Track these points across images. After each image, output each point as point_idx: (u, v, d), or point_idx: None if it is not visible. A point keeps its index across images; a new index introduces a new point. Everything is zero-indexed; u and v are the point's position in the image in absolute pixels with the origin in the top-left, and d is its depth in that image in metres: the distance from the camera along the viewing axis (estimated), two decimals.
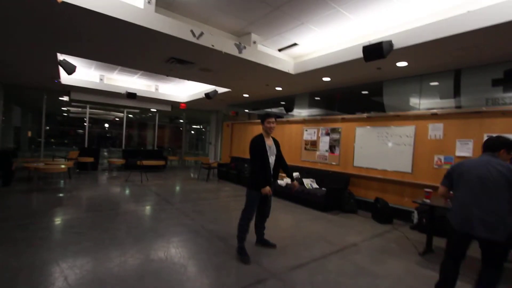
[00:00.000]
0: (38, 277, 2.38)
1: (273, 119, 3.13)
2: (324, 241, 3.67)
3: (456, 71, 4.62)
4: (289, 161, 7.33)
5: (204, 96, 7.95)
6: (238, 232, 3.06)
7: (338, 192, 5.43)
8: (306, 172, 6.48)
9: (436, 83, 4.98)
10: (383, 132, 5.28)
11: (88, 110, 9.92)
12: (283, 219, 4.65)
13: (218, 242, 3.44)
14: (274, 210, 5.23)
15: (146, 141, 19.80)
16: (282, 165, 3.35)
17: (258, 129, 8.79)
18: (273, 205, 5.54)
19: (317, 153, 6.59)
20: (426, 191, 3.42)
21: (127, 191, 6.18)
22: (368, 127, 5.53)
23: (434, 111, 4.62)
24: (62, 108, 14.68)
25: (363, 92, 6.55)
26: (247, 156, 9.03)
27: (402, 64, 4.39)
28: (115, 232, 3.59)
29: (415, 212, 4.57)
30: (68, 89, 8.44)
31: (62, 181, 6.70)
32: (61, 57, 5.32)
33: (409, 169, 4.85)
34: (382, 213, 4.74)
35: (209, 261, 2.93)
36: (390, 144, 5.15)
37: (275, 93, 7.47)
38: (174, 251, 3.08)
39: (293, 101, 7.82)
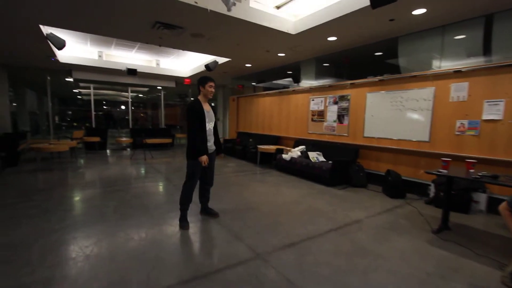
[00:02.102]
0: (49, 251, 2.25)
1: (214, 83, 2.94)
2: (324, 218, 3.33)
3: (487, 17, 3.83)
4: (296, 134, 6.98)
5: (204, 68, 7.53)
6: (180, 204, 2.96)
7: (345, 165, 4.99)
8: (313, 145, 6.03)
9: (461, 36, 4.22)
10: (397, 97, 4.67)
11: (92, 91, 9.82)
12: (282, 194, 4.33)
13: (207, 220, 3.20)
14: (276, 184, 4.97)
15: (158, 120, 19.92)
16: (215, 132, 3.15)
17: (264, 102, 8.39)
18: (275, 180, 5.31)
19: (325, 124, 6.08)
20: (444, 160, 2.92)
21: (127, 169, 6.09)
22: (381, 92, 4.91)
23: (458, 68, 3.93)
24: (74, 91, 14.85)
25: (376, 54, 5.82)
26: (253, 130, 8.74)
27: (419, 11, 3.69)
28: (103, 208, 3.45)
29: (432, 185, 4.08)
30: (69, 68, 8.28)
31: (65, 161, 6.75)
32: (46, 30, 5.04)
33: (426, 137, 4.28)
34: (394, 186, 4.29)
35: (190, 239, 2.70)
36: (405, 110, 4.55)
37: (279, 60, 6.87)
38: (155, 231, 2.88)
39: (299, 70, 7.19)
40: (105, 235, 2.72)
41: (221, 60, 7.24)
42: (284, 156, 6.02)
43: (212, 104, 3.13)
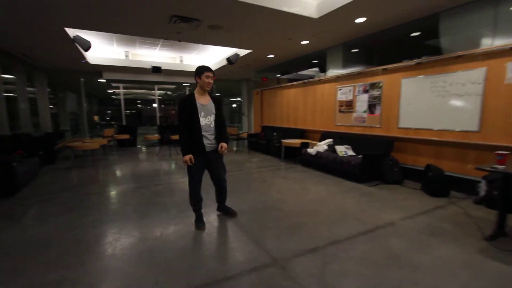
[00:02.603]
0: (66, 250, 2.29)
1: (211, 73, 2.65)
2: (352, 219, 3.00)
3: None
4: (323, 127, 6.55)
5: (226, 62, 7.38)
6: (190, 205, 2.87)
7: (377, 159, 4.53)
8: (340, 138, 5.61)
9: None
10: (438, 82, 4.09)
11: (122, 90, 10.21)
12: (306, 192, 4.04)
13: (225, 220, 3.04)
14: (300, 181, 4.67)
15: None
16: (219, 128, 2.80)
17: (288, 94, 8.03)
18: (300, 176, 5.01)
19: (354, 115, 5.61)
20: (499, 153, 2.43)
21: (152, 166, 6.19)
22: (418, 77, 4.35)
23: None
24: (107, 91, 15.69)
25: (413, 35, 5.19)
26: (278, 123, 8.44)
27: None
28: (123, 206, 3.46)
29: (482, 182, 3.51)
30: (99, 69, 8.65)
31: (97, 158, 7.07)
32: (72, 33, 5.21)
33: (475, 127, 3.69)
34: (435, 183, 3.78)
35: (204, 241, 2.55)
36: (448, 96, 3.97)
37: (303, 49, 6.47)
38: (170, 230, 2.78)
39: (325, 59, 6.72)
40: (121, 234, 2.69)
41: (242, 52, 7.02)
42: (309, 150, 5.69)
43: (218, 94, 2.89)
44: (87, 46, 5.59)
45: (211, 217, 3.05)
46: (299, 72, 9.71)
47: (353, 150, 5.20)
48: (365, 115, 5.35)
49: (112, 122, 20.57)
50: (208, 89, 2.67)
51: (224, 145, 2.77)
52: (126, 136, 8.74)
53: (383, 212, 3.18)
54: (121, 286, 1.89)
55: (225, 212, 3.12)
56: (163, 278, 1.96)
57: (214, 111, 2.71)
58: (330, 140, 5.64)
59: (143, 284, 1.90)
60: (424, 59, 4.28)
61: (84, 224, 2.92)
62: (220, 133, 2.78)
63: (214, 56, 8.64)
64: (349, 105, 5.74)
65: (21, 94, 6.82)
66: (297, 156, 6.20)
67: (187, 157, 2.58)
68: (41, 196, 3.90)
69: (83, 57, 6.97)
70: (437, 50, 4.30)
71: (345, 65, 6.17)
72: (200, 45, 7.57)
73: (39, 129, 7.98)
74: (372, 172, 4.52)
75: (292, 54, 7.11)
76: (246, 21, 4.52)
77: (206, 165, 2.77)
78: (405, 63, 4.55)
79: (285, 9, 4.01)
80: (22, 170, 4.13)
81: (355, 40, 5.65)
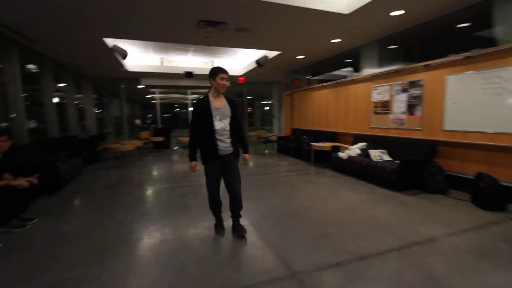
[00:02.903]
0: (93, 248, 2.43)
1: (226, 75, 2.50)
2: (385, 231, 2.70)
3: None
4: (355, 129, 6.15)
5: (256, 65, 7.36)
6: (210, 209, 2.79)
7: (418, 165, 4.09)
8: (375, 142, 5.20)
9: None
10: (492, 77, 3.56)
11: (158, 95, 10.75)
12: (336, 199, 3.78)
13: (244, 226, 2.94)
14: (330, 187, 4.40)
15: None
16: (235, 131, 2.63)
17: (319, 95, 7.73)
18: (329, 181, 4.73)
19: (391, 116, 5.17)
20: None
21: (182, 167, 6.34)
22: (467, 73, 3.84)
23: None
24: (146, 96, 16.70)
25: (460, 26, 4.63)
26: (308, 126, 8.15)
27: None
28: (149, 207, 3.56)
29: None
30: (137, 76, 9.21)
31: (133, 159, 7.48)
32: (109, 42, 5.58)
33: None
34: (488, 194, 3.27)
35: (222, 247, 2.48)
36: (505, 94, 3.43)
37: (334, 48, 6.17)
38: (189, 234, 2.76)
39: (358, 57, 6.33)
40: (143, 234, 2.74)
41: (271, 54, 6.93)
42: (340, 154, 5.37)
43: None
44: (124, 54, 5.96)
45: (231, 222, 2.97)
46: (332, 73, 9.32)
47: (390, 155, 4.78)
48: (404, 116, 4.89)
49: (153, 125, 21.88)
50: (223, 91, 2.53)
51: (247, 157, 2.73)
52: (160, 139, 9.16)
53: (422, 226, 2.82)
54: (136, 287, 1.88)
55: (235, 229, 2.71)
56: (176, 282, 1.92)
57: (229, 114, 2.55)
58: (364, 143, 5.26)
59: (156, 286, 1.88)
60: (474, 52, 3.77)
61: (111, 223, 3.04)
62: (238, 137, 2.64)
63: (244, 59, 8.68)
64: (385, 106, 5.30)
65: (70, 100, 7.50)
66: (328, 161, 5.90)
67: (193, 164, 2.56)
68: (79, 194, 4.19)
69: (122, 65, 7.46)
70: (490, 42, 3.76)
71: (381, 63, 5.74)
72: (230, 49, 7.67)
73: (85, 132, 8.71)
74: (411, 179, 4.09)
75: (323, 54, 6.83)
76: (272, 22, 4.42)
77: (221, 170, 2.59)
78: (450, 57, 4.06)
79: (312, 6, 3.82)
80: (65, 169, 4.50)
81: (392, 36, 5.22)
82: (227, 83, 2.51)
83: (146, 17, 4.15)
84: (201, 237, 2.65)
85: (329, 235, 2.66)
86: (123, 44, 6.25)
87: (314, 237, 2.61)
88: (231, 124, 2.56)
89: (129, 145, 6.49)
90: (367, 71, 5.92)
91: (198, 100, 2.55)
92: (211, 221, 2.89)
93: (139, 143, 7.22)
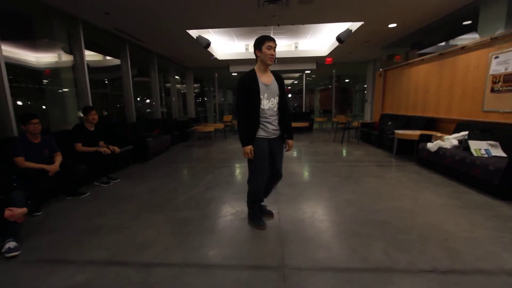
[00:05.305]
0: (156, 202, 3.05)
1: (273, 43, 2.14)
2: (440, 247, 1.98)
3: None
4: (461, 114, 4.66)
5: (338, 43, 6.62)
6: (247, 198, 2.45)
7: None
8: (485, 131, 3.78)
9: None
10: None
11: None
12: (397, 198, 3.03)
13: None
14: (399, 183, 3.63)
15: (312, 105, 20.22)
16: (283, 112, 2.30)
17: (417, 72, 6.18)
18: (403, 177, 3.95)
19: None
20: None
21: None
22: None
23: None
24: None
25: None
26: (402, 111, 6.75)
27: None
28: (199, 180, 3.91)
29: None
30: (227, 64, 10.00)
31: (217, 139, 8.32)
32: (193, 34, 6.26)
33: None
34: None
35: (240, 237, 2.46)
36: None
37: (436, 6, 4.76)
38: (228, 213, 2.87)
39: (477, 17, 4.64)
40: (184, 204, 3.05)
41: (355, 26, 6.04)
42: (428, 145, 4.22)
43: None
44: (206, 43, 6.58)
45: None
46: (446, 43, 7.27)
47: (505, 150, 3.40)
48: None
49: None
50: (271, 63, 2.18)
51: (291, 142, 2.40)
52: None
53: (511, 251, 1.90)
54: (142, 239, 2.15)
55: (262, 211, 2.60)
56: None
57: (278, 92, 2.25)
58: (464, 133, 3.93)
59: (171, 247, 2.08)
60: None
61: (162, 189, 3.53)
62: (285, 121, 2.33)
63: (329, 37, 7.97)
64: (510, 81, 3.75)
65: (173, 89, 9.01)
66: (414, 153, 4.77)
67: (248, 149, 2.20)
68: (158, 164, 5.05)
69: (211, 55, 8.27)
70: None
71: (510, 21, 4.03)
72: (312, 28, 7.20)
73: (186, 115, 10.32)
74: None
75: (423, 18, 5.40)
76: None
77: (270, 152, 2.32)
78: None
79: None
80: (154, 144, 5.50)
81: None
82: (275, 53, 2.17)
83: (207, 4, 4.39)
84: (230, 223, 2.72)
85: (356, 235, 2.18)
86: (207, 34, 6.91)
87: (333, 234, 2.22)
88: (279, 103, 2.27)
89: (209, 127, 7.25)
90: (487, 33, 4.29)
91: (243, 76, 2.20)
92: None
93: (219, 125, 7.95)
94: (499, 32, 3.99)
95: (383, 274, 1.69)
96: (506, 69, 3.82)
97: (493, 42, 4.01)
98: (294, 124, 9.51)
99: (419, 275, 1.66)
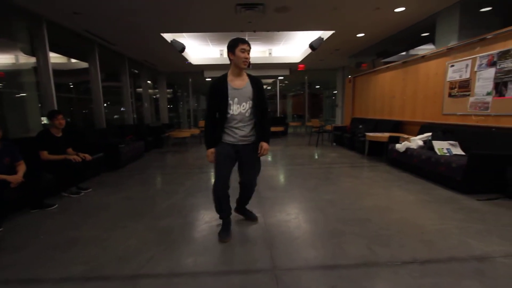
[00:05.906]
0: (133, 211, 2.84)
1: (247, 46, 2.04)
2: (417, 239, 2.12)
3: None
4: (424, 117, 5.06)
5: (310, 50, 6.88)
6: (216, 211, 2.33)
7: (497, 162, 3.07)
8: (444, 132, 4.16)
9: None
10: None
11: None
12: (371, 196, 3.20)
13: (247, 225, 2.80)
14: (373, 182, 3.80)
15: (285, 110, 20.62)
16: (259, 118, 2.18)
17: (383, 79, 6.64)
18: (376, 176, 4.12)
19: (470, 99, 4.04)
20: None
21: None
22: None
23: None
24: None
25: None
26: (370, 115, 7.17)
27: None
28: (179, 187, 3.80)
29: None
30: (201, 69, 9.91)
31: (190, 145, 8.16)
32: (167, 37, 6.13)
33: None
34: None
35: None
36: None
37: (400, 19, 5.18)
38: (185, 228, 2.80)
39: (434, 30, 5.13)
40: (161, 211, 2.93)
41: (326, 35, 6.34)
42: (397, 146, 4.53)
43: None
44: (181, 47, 6.47)
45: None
46: (408, 52, 7.91)
47: (464, 149, 3.75)
48: (489, 99, 3.74)
49: None
50: (245, 67, 2.06)
51: (265, 145, 2.18)
52: None
53: (477, 239, 2.10)
54: (123, 250, 2.02)
55: (245, 215, 2.58)
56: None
57: (251, 96, 2.12)
58: (428, 134, 4.28)
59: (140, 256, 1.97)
60: None
61: (140, 197, 3.37)
62: (260, 125, 2.18)
63: (301, 44, 8.26)
64: (464, 87, 4.17)
65: (145, 94, 8.69)
66: (384, 153, 5.08)
67: (209, 151, 2.17)
68: (132, 172, 4.81)
69: (185, 59, 8.14)
70: None
71: (462, 33, 4.51)
72: (286, 35, 7.41)
73: (159, 121, 9.98)
74: (486, 180, 3.11)
75: (388, 29, 5.84)
76: None
77: (237, 159, 2.23)
78: None
79: None
80: (126, 151, 5.23)
81: None
82: (249, 56, 2.06)
83: (186, 9, 4.35)
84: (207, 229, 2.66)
85: (339, 234, 2.26)
86: (181, 38, 6.80)
87: (318, 233, 2.28)
88: (254, 108, 2.14)
89: (184, 133, 7.10)
90: (443, 44, 4.75)
91: (213, 79, 2.15)
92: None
93: (195, 131, 7.81)
94: (452, 43, 4.44)
95: (370, 268, 1.77)
96: (460, 76, 4.25)
97: (449, 52, 4.45)
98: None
99: (402, 267, 1.76)
